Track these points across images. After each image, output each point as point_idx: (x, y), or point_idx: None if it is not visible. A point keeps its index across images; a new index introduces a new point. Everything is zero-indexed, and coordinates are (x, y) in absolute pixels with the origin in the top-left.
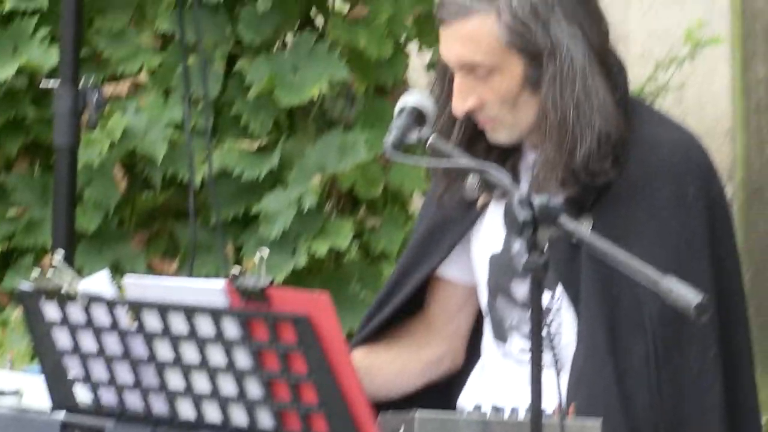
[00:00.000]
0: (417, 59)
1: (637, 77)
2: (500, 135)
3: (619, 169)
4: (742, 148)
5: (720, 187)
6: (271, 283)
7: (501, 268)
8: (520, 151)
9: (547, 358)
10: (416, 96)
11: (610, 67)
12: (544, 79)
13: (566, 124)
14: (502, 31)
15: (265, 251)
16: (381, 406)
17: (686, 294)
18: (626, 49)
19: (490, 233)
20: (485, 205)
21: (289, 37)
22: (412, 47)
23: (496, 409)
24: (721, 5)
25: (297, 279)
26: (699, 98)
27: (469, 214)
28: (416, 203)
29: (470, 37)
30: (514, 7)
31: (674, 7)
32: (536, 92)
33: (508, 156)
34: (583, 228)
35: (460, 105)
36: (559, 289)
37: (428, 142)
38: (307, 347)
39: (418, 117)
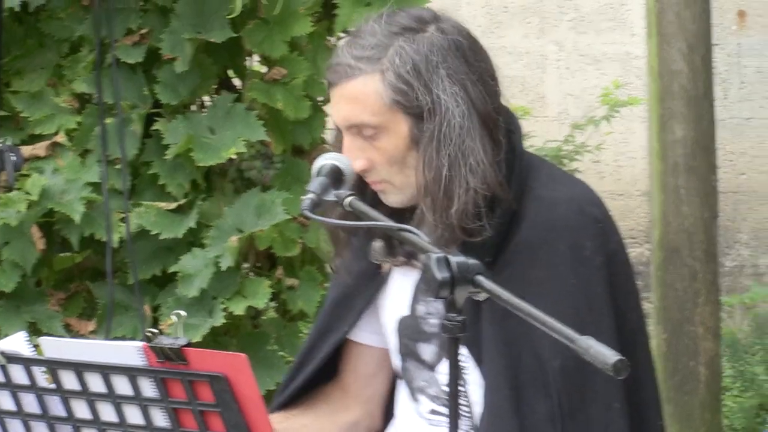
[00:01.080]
0: None
1: (553, 138)
2: (392, 197)
3: (506, 227)
4: (659, 209)
5: (619, 241)
6: (188, 343)
7: (408, 331)
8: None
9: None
10: (333, 156)
11: (496, 128)
12: (423, 137)
13: (439, 182)
14: (386, 90)
15: (182, 313)
16: None
17: (604, 352)
18: (542, 110)
19: (396, 296)
20: (391, 269)
21: (207, 98)
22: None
23: None
24: (638, 66)
25: (214, 339)
26: (616, 159)
27: (376, 279)
28: None
29: (355, 96)
30: (397, 67)
31: (590, 68)
32: None
33: (409, 219)
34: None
35: None
36: (465, 350)
37: (345, 202)
38: (224, 406)
39: (335, 177)
